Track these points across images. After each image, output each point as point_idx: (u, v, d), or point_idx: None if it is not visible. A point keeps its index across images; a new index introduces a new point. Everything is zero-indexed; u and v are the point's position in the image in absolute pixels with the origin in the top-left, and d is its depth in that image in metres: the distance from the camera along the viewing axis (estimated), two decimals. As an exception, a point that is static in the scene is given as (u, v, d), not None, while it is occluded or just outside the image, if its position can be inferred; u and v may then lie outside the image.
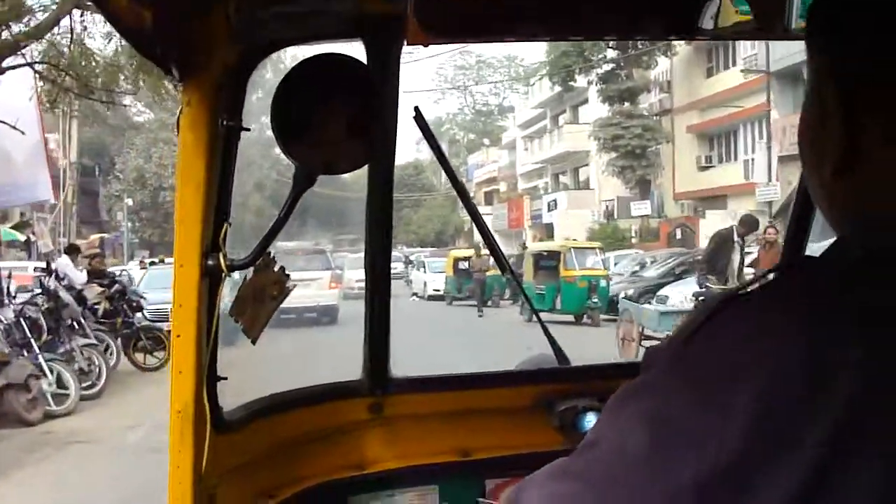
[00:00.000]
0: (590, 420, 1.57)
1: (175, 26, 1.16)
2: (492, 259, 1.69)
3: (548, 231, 37.59)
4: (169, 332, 1.51)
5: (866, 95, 0.64)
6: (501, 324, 17.44)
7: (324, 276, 17.92)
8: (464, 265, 23.06)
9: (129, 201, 41.39)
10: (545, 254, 20.70)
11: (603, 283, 17.53)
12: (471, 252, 23.61)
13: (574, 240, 24.28)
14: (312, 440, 1.61)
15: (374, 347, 1.64)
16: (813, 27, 0.70)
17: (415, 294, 26.37)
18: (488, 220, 48.65)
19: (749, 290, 0.64)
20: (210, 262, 1.23)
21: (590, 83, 32.54)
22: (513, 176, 52.14)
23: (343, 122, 1.25)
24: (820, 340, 0.57)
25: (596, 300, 17.06)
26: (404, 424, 1.68)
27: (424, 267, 27.67)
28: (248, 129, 1.29)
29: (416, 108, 1.55)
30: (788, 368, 0.57)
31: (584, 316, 17.13)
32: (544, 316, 2.08)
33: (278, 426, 1.56)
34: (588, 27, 1.72)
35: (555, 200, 37.28)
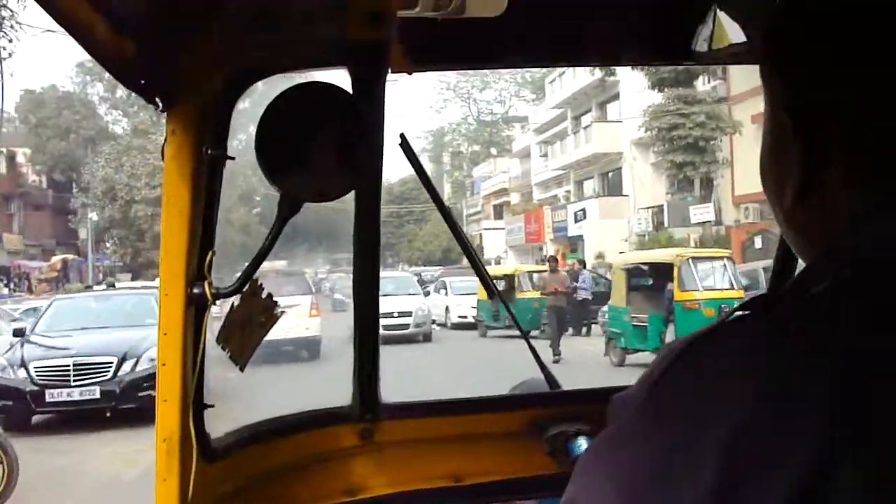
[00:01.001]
0: (580, 445, 1.73)
1: (159, 56, 1.33)
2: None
3: (574, 244, 36.42)
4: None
5: (821, 126, 0.70)
6: (588, 367, 14.31)
7: (303, 301, 17.00)
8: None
9: (94, 216, 40.88)
10: (644, 268, 16.41)
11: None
12: (510, 270, 22.14)
13: (695, 247, 20.72)
14: (302, 467, 1.78)
15: (363, 372, 1.81)
16: (764, 55, 0.77)
17: (433, 321, 23.40)
18: (501, 236, 48.80)
19: (713, 329, 0.69)
20: (195, 291, 1.40)
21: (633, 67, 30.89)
22: (527, 185, 52.08)
23: (328, 150, 1.43)
24: (784, 374, 0.61)
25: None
26: (395, 450, 1.85)
27: (446, 289, 26.17)
28: (233, 158, 1.47)
29: (402, 136, 1.73)
30: (755, 405, 0.61)
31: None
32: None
33: (267, 453, 1.73)
34: (577, 54, 1.89)
35: (583, 210, 36.57)
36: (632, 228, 32.06)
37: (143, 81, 1.34)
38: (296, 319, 15.73)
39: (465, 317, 23.93)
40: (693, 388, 0.65)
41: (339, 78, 1.56)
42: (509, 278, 21.53)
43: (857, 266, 0.67)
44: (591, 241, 33.05)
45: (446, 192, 71.79)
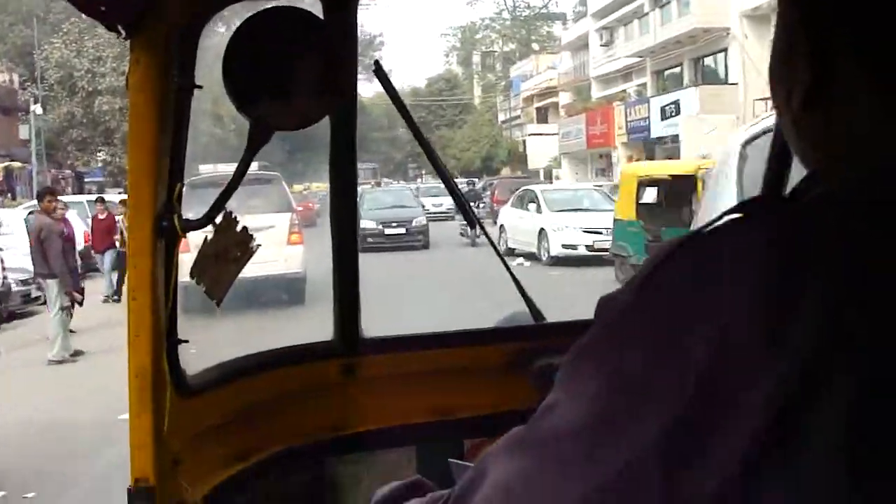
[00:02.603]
0: None
1: None
2: None
3: (650, 150, 35.33)
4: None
5: (836, 31, 0.81)
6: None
7: (279, 222, 15.05)
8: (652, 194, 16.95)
9: (38, 108, 38.55)
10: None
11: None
12: (690, 168, 16.58)
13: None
14: (283, 402, 2.12)
15: (344, 307, 2.16)
16: None
17: (515, 252, 21.29)
18: (549, 142, 48.21)
19: (706, 231, 0.79)
20: (164, 223, 1.68)
21: None
22: (581, 82, 52.13)
23: (301, 75, 1.70)
24: (772, 282, 0.73)
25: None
26: (379, 385, 2.20)
27: (537, 201, 22.82)
28: (201, 87, 1.73)
29: (376, 62, 2.07)
30: (740, 313, 0.72)
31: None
32: None
33: (247, 389, 2.06)
34: None
35: (675, 103, 34.71)
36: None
37: (102, 8, 1.56)
38: (271, 249, 13.33)
39: (575, 246, 20.58)
40: (681, 289, 0.76)
41: (310, 4, 1.85)
42: (686, 180, 16.25)
43: (865, 177, 0.79)
44: (689, 141, 31.29)
45: (477, 95, 71.38)
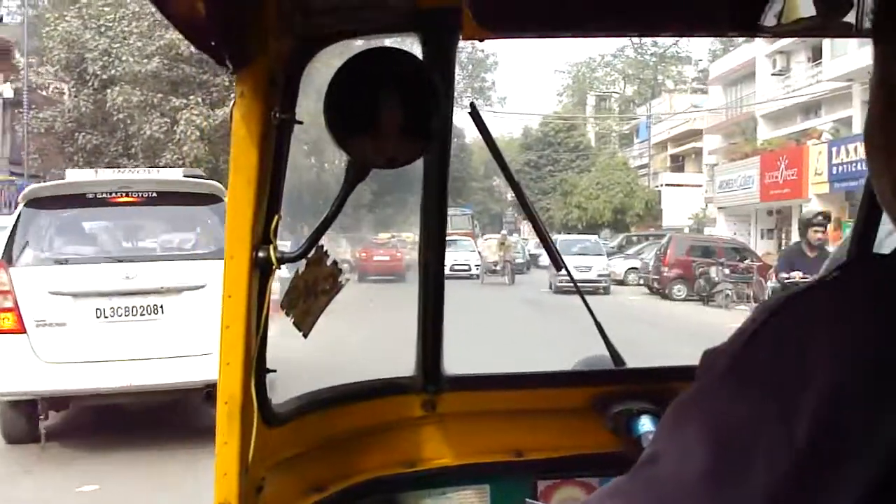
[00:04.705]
0: (643, 423, 2.42)
1: (228, 16, 1.89)
2: None
3: (853, 203, 30.18)
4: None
5: None
6: None
7: None
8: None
9: (8, 90, 36.47)
10: None
11: None
12: None
13: None
14: (364, 435, 2.49)
15: (427, 343, 2.52)
16: (878, 16, 1.03)
17: None
18: (692, 195, 49.18)
19: (812, 287, 0.93)
20: (261, 255, 2.04)
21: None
22: (742, 122, 50.00)
23: (399, 115, 2.05)
24: (884, 336, 0.85)
25: None
26: (457, 422, 2.57)
27: None
28: (301, 123, 2.08)
29: (472, 104, 2.43)
30: (853, 367, 0.85)
31: None
32: None
33: (329, 420, 2.41)
34: (647, 23, 2.55)
35: None
36: None
37: (213, 42, 1.95)
38: None
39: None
40: (786, 347, 0.88)
41: (410, 44, 2.19)
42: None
43: None
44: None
45: (593, 141, 69.69)
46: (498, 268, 42.34)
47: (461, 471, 2.61)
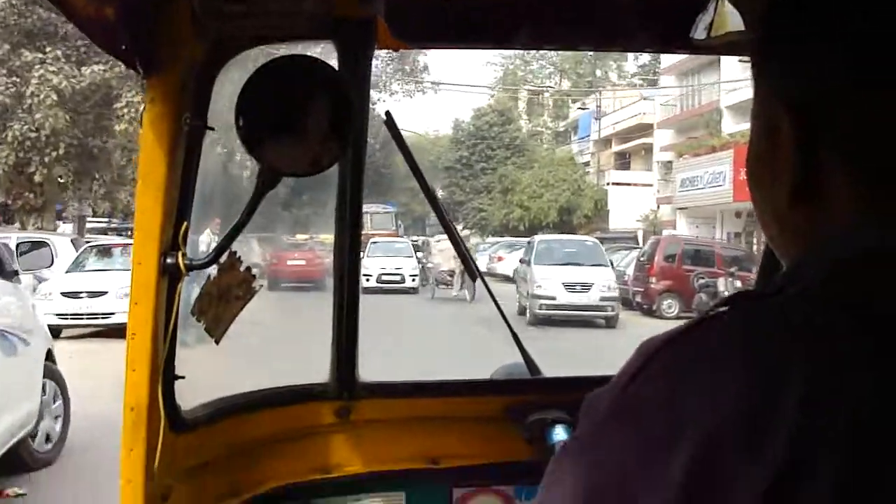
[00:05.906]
0: (558, 432, 2.45)
1: (139, 20, 1.89)
2: None
3: None
4: None
5: (822, 120, 0.95)
6: None
7: None
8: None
9: None
10: None
11: None
12: None
13: None
14: (277, 442, 2.49)
15: (341, 349, 2.52)
16: (760, 40, 1.03)
17: None
18: (642, 193, 46.83)
19: (690, 329, 0.94)
20: (169, 261, 2.04)
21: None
22: (702, 112, 47.53)
23: (312, 123, 2.05)
24: (757, 382, 0.87)
25: None
26: (372, 429, 2.58)
27: None
28: (213, 129, 2.08)
29: (388, 113, 2.45)
30: (723, 418, 0.86)
31: None
32: None
33: (241, 427, 2.41)
34: (566, 37, 2.58)
35: None
36: None
37: (123, 46, 1.94)
38: None
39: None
40: (664, 391, 0.89)
41: (324, 52, 2.15)
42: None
43: (841, 269, 0.94)
44: None
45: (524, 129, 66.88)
46: (453, 279, 32.14)
47: (376, 478, 2.63)
